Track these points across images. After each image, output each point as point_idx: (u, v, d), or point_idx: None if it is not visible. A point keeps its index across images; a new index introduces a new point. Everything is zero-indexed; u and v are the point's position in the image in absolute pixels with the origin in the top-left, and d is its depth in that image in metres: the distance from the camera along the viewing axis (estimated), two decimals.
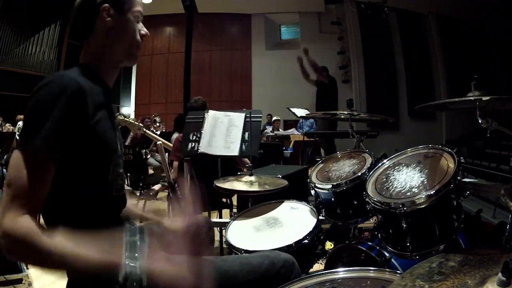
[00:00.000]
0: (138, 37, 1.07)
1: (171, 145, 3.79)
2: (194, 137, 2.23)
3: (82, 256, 0.75)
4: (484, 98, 1.23)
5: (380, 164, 1.54)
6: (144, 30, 1.08)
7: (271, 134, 7.58)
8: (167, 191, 2.96)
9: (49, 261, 0.76)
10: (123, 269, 0.73)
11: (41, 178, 0.81)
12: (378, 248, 1.51)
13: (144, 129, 3.90)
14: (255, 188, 1.74)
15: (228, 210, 2.91)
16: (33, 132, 0.81)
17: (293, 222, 1.60)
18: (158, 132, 6.16)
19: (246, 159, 2.66)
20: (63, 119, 0.82)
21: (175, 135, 4.14)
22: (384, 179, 1.42)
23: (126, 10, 1.05)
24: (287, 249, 1.36)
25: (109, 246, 0.77)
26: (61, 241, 0.75)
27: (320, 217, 1.64)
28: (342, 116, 2.19)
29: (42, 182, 0.82)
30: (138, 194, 4.00)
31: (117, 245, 0.78)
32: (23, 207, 0.78)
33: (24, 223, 0.76)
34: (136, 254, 0.78)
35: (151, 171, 5.28)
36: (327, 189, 1.66)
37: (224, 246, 1.68)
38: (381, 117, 2.20)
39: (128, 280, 0.72)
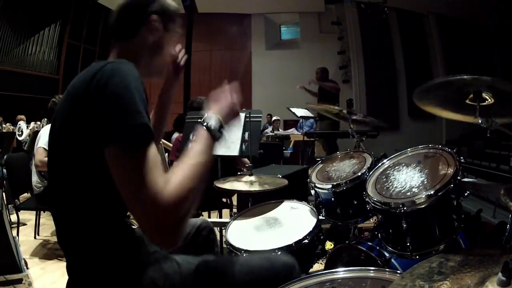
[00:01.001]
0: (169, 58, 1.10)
1: (171, 145, 3.79)
2: (194, 137, 2.23)
3: (198, 161, 0.88)
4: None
5: (380, 164, 1.54)
6: (174, 50, 1.11)
7: (271, 134, 7.58)
8: None
9: (198, 187, 0.84)
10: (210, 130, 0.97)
11: (155, 156, 0.81)
12: (378, 248, 1.51)
13: None
14: (255, 188, 1.74)
15: (228, 210, 2.91)
16: (133, 124, 0.77)
17: (293, 222, 1.60)
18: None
19: (246, 159, 2.66)
20: (142, 98, 0.82)
21: (175, 135, 4.14)
22: (384, 179, 1.42)
23: (171, 28, 1.07)
24: (287, 249, 1.35)
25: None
26: (182, 168, 0.84)
27: (320, 217, 1.64)
28: (340, 114, 2.19)
29: (157, 158, 0.82)
30: None
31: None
32: (162, 178, 0.78)
33: (171, 188, 0.77)
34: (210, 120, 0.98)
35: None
36: (327, 189, 1.66)
37: (224, 246, 1.68)
38: (375, 121, 2.21)
39: (213, 130, 0.97)
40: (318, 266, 1.64)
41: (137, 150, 0.78)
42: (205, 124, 0.97)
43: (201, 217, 2.71)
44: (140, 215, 0.76)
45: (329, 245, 2.12)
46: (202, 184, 0.85)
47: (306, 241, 1.43)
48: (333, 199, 1.65)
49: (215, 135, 0.97)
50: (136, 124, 0.78)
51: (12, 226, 3.14)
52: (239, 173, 2.28)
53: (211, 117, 0.99)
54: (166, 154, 3.97)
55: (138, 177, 0.76)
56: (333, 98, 5.43)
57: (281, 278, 1.05)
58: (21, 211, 3.15)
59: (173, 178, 0.80)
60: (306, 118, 6.01)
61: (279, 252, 1.32)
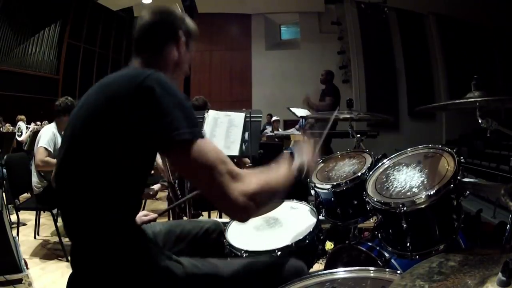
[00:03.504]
0: None
1: None
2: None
3: (279, 178, 1.05)
4: (484, 98, 1.23)
5: (380, 164, 1.54)
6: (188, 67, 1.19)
7: (271, 134, 7.57)
8: (166, 191, 2.95)
9: (276, 192, 1.04)
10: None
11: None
12: (378, 248, 1.51)
13: None
14: None
15: None
16: (194, 125, 0.89)
17: (293, 222, 1.60)
18: None
19: (247, 159, 2.66)
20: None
21: None
22: (384, 179, 1.42)
23: (191, 47, 1.15)
24: (287, 249, 1.35)
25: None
26: (264, 177, 0.99)
27: (320, 217, 1.64)
28: (341, 117, 2.19)
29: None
30: None
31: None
32: (236, 169, 0.92)
33: (250, 179, 0.93)
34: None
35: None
36: (327, 189, 1.66)
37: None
38: (383, 117, 2.20)
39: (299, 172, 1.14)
40: (318, 266, 1.64)
41: (204, 140, 0.90)
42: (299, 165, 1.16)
43: (201, 217, 2.71)
44: (219, 188, 0.87)
45: (329, 245, 2.12)
46: (274, 196, 1.03)
47: (306, 241, 1.43)
48: (333, 199, 1.65)
49: (296, 176, 1.14)
50: (196, 122, 0.91)
51: (12, 226, 3.14)
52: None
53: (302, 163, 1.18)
54: None
55: (216, 156, 0.89)
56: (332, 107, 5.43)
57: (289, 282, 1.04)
58: (21, 211, 3.15)
59: (253, 175, 0.95)
60: (306, 118, 6.00)
61: (280, 253, 1.31)
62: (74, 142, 0.95)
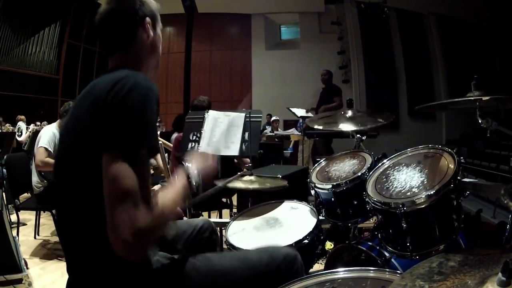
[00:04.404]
0: None
1: (171, 145, 3.78)
2: (194, 137, 2.23)
3: (175, 202, 0.98)
4: (484, 98, 1.23)
5: (380, 164, 1.54)
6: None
7: (271, 134, 7.57)
8: None
9: (170, 220, 0.99)
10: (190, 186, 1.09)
11: (149, 173, 0.92)
12: (378, 248, 1.51)
13: None
14: (255, 186, 1.74)
15: (228, 210, 2.91)
16: (140, 133, 0.85)
17: (293, 222, 1.60)
18: (158, 132, 6.14)
19: (247, 159, 2.66)
20: (155, 117, 0.89)
21: (175, 135, 4.14)
22: (384, 179, 1.42)
23: (158, 26, 1.10)
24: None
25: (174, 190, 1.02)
26: (163, 204, 0.92)
27: (320, 217, 1.64)
28: (347, 115, 2.19)
29: (149, 175, 0.92)
30: None
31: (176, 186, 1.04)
32: (145, 201, 0.83)
33: (152, 213, 0.85)
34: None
35: (150, 171, 5.27)
36: (327, 189, 1.66)
37: (224, 246, 1.68)
38: (385, 119, 2.19)
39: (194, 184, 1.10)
40: (318, 266, 1.64)
41: (133, 155, 0.83)
42: (189, 177, 1.09)
43: (201, 217, 2.71)
44: (114, 223, 0.79)
45: (329, 245, 2.12)
46: (167, 224, 0.95)
47: (306, 241, 1.43)
48: (333, 199, 1.65)
49: (193, 187, 1.10)
50: (141, 138, 0.85)
51: (12, 226, 3.14)
52: (239, 173, 2.28)
53: (195, 173, 1.13)
54: (166, 154, 3.97)
55: (129, 182, 0.81)
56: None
57: (282, 271, 1.05)
58: (21, 211, 3.15)
59: (156, 206, 0.88)
60: (306, 118, 6.00)
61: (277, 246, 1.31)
62: (66, 148, 0.96)
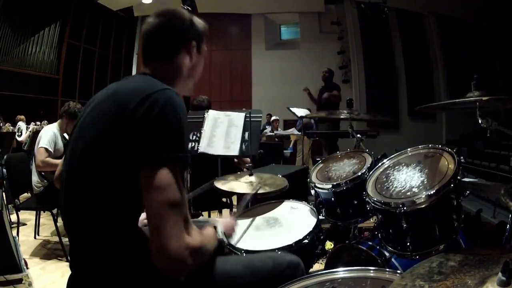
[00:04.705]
0: None
1: None
2: (194, 137, 2.23)
3: (212, 239, 1.00)
4: (484, 98, 1.23)
5: (380, 164, 1.54)
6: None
7: (271, 134, 7.56)
8: None
9: (211, 249, 0.97)
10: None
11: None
12: (378, 247, 1.51)
13: None
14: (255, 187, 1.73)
15: (228, 210, 2.91)
16: (180, 149, 0.87)
17: (293, 222, 1.60)
18: None
19: (247, 159, 2.66)
20: (187, 131, 0.91)
21: None
22: (384, 179, 1.42)
23: (202, 50, 1.11)
24: (287, 249, 1.35)
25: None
26: (202, 235, 0.93)
27: (320, 217, 1.64)
28: (343, 116, 2.19)
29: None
30: None
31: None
32: (187, 217, 0.85)
33: (195, 233, 0.88)
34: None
35: None
36: (327, 189, 1.66)
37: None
38: (384, 118, 2.21)
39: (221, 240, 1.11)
40: (318, 266, 1.64)
41: (175, 169, 0.85)
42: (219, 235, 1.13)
43: (201, 217, 2.71)
44: (166, 236, 0.80)
45: (329, 245, 2.12)
46: (206, 256, 0.96)
47: (306, 241, 1.43)
48: (333, 199, 1.65)
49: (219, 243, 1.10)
50: (179, 153, 0.87)
51: (12, 226, 3.14)
52: (239, 172, 2.28)
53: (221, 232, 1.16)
54: None
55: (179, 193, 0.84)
56: (333, 105, 5.43)
57: (285, 278, 1.05)
58: (21, 211, 3.15)
59: (196, 232, 0.89)
60: (304, 118, 6.00)
61: (280, 252, 1.32)
62: (83, 146, 0.95)
